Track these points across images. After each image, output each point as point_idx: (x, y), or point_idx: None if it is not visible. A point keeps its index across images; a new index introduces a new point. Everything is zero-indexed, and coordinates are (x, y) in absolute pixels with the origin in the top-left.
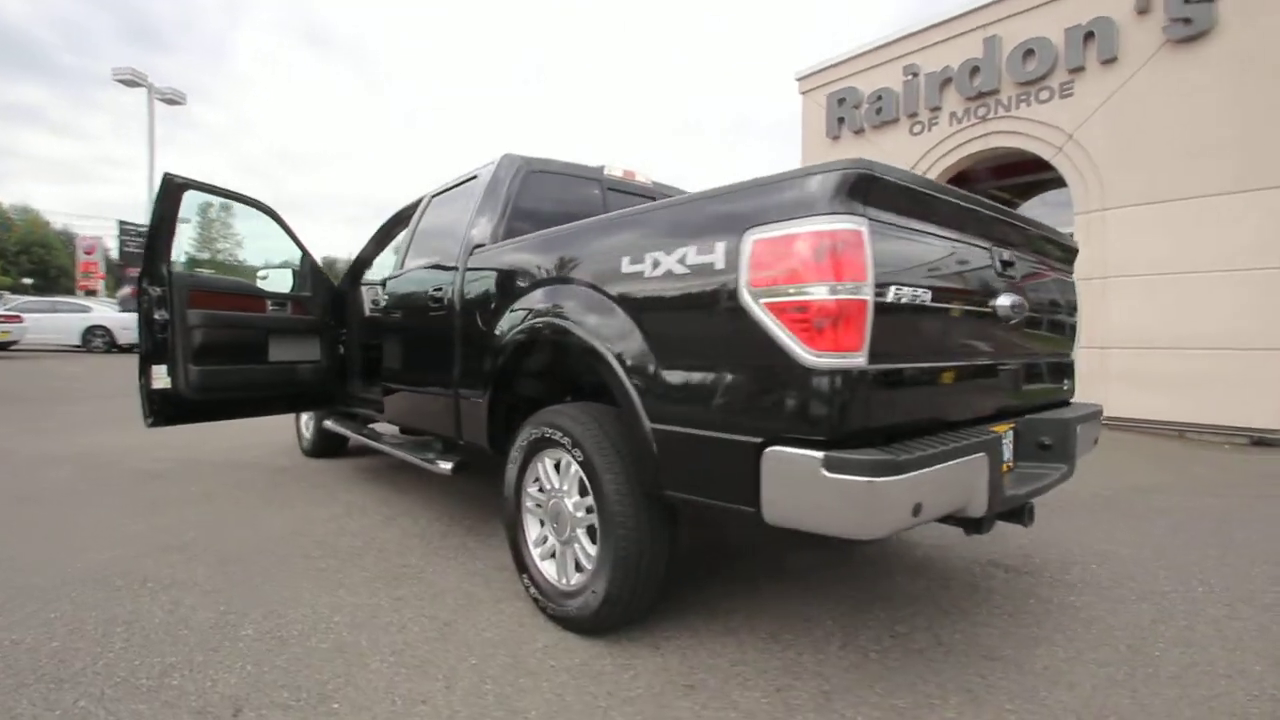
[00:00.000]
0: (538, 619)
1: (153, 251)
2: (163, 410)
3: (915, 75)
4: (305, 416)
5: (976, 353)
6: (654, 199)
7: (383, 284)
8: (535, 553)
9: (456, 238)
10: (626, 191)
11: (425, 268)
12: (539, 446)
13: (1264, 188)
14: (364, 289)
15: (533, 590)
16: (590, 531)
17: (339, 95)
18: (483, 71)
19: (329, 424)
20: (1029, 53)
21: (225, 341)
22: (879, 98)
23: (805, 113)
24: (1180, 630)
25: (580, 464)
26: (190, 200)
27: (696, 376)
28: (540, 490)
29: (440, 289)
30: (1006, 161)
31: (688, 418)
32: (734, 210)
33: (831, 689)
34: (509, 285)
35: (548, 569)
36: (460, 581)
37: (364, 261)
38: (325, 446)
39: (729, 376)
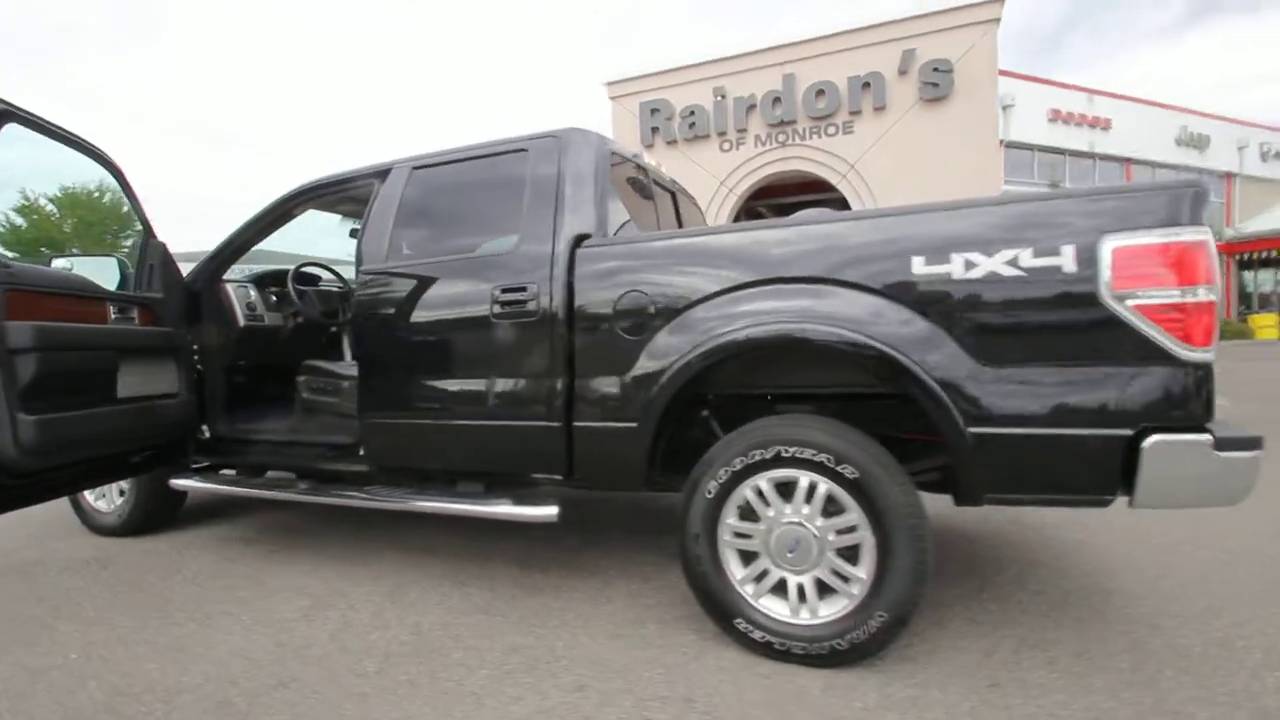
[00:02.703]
0: (763, 666)
1: None
2: None
3: (724, 98)
4: None
5: None
6: (675, 196)
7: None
8: (747, 591)
9: (521, 225)
10: (660, 185)
11: (459, 261)
12: (755, 470)
13: None
14: (231, 288)
15: (757, 634)
16: (845, 554)
17: None
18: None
19: (186, 483)
20: (820, 92)
21: (67, 372)
22: (691, 113)
23: (616, 118)
24: (1163, 531)
25: (851, 481)
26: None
27: (1036, 377)
28: (748, 519)
29: (520, 289)
30: (801, 181)
31: (1023, 419)
32: (1080, 216)
33: (1063, 649)
34: (680, 287)
35: (772, 607)
36: (615, 651)
37: (236, 251)
38: (153, 517)
39: (1086, 374)
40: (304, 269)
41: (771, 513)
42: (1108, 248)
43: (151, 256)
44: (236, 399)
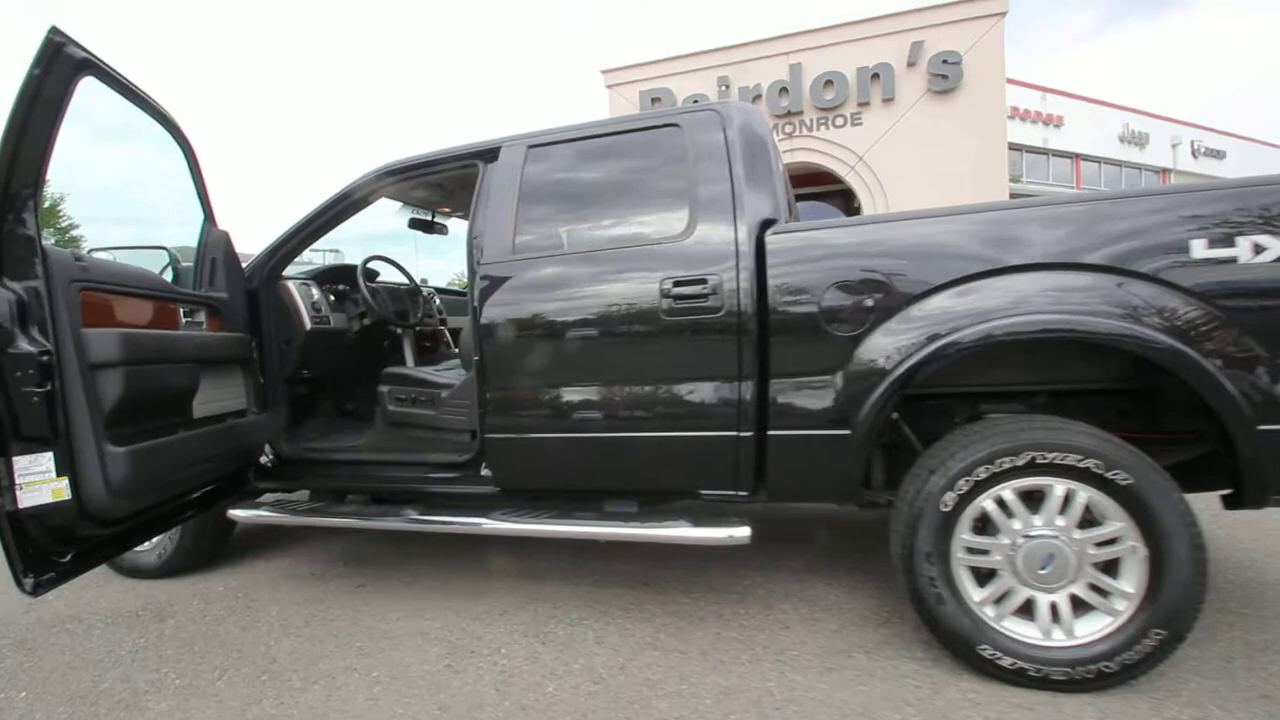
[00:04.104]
0: (1016, 695)
1: (7, 203)
2: (47, 555)
3: (728, 87)
4: None
5: None
6: None
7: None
8: (988, 614)
9: (686, 209)
10: None
11: (612, 251)
12: (1000, 479)
13: None
14: (294, 286)
15: (1006, 660)
16: (1105, 568)
17: None
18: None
19: (255, 514)
20: (828, 83)
21: (152, 391)
22: (694, 103)
23: (614, 107)
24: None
25: (1123, 488)
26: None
27: None
28: (985, 534)
29: (698, 281)
30: (808, 173)
31: None
32: None
33: (1239, 646)
34: (905, 275)
35: (1019, 629)
36: (839, 688)
37: (301, 244)
38: (199, 554)
39: None
40: (369, 264)
41: (1017, 525)
42: None
43: (213, 249)
44: (300, 413)
